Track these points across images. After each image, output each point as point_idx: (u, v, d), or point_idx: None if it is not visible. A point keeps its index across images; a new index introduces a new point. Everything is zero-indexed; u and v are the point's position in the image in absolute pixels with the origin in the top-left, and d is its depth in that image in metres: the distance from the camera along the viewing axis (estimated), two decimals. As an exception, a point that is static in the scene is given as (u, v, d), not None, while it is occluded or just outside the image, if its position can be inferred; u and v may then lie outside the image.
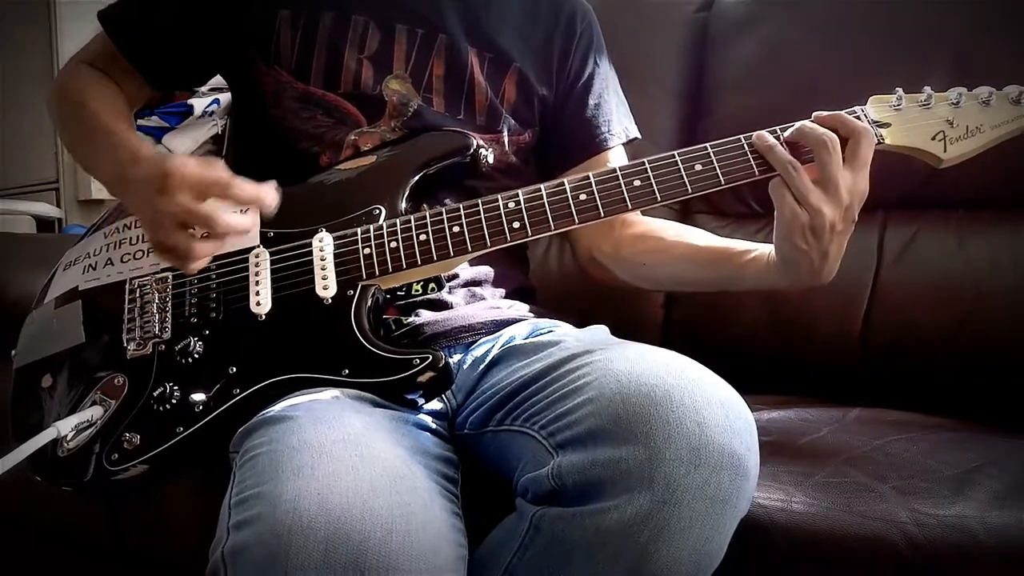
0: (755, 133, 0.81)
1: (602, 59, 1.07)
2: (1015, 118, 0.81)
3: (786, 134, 0.81)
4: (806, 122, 0.80)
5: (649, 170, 0.81)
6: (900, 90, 0.83)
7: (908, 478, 0.73)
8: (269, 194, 0.78)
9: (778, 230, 0.81)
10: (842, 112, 0.81)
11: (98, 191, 2.50)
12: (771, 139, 0.80)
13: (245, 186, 0.77)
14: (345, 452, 0.62)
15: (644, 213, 0.97)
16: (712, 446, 0.61)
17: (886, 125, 0.82)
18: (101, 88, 0.97)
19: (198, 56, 1.01)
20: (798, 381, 1.12)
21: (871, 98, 0.84)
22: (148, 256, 0.89)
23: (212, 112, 1.98)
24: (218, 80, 1.08)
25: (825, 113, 0.81)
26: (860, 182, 0.78)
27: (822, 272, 0.80)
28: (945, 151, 0.81)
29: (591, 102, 1.04)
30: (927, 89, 0.83)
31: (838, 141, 0.77)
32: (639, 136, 1.08)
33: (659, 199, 0.80)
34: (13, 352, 0.92)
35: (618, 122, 1.06)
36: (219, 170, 0.76)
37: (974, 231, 1.10)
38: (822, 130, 0.78)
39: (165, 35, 0.98)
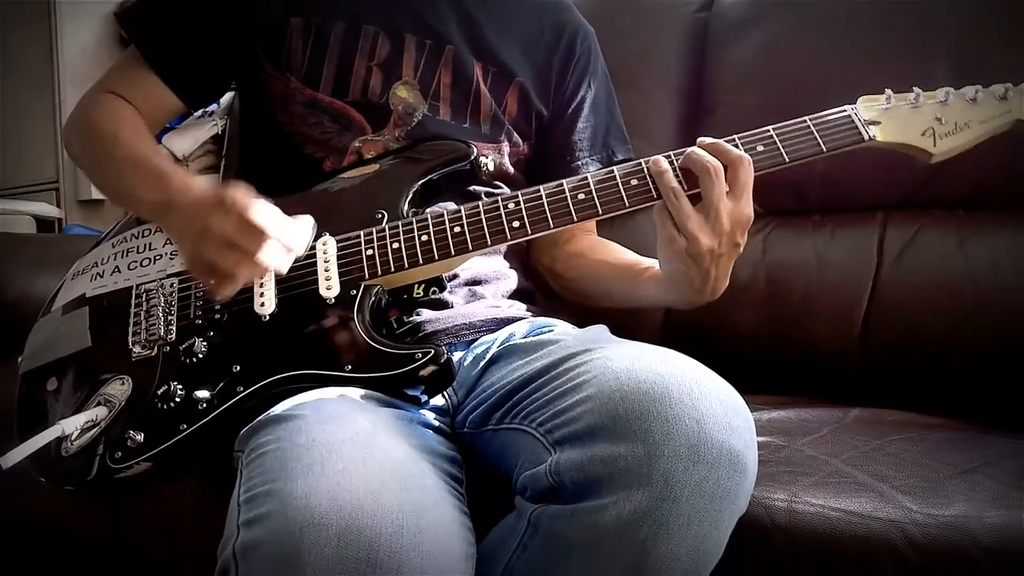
0: (652, 158, 0.81)
1: (596, 83, 1.09)
2: (1002, 114, 0.82)
3: (679, 160, 0.81)
4: (695, 148, 0.80)
5: (646, 170, 0.82)
6: (889, 91, 0.85)
7: (908, 478, 0.73)
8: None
9: (659, 251, 0.82)
10: (721, 140, 0.80)
11: (97, 192, 2.49)
12: (665, 164, 0.80)
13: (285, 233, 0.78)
14: (354, 450, 0.62)
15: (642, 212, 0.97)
16: (711, 443, 0.61)
17: (876, 123, 0.84)
18: (129, 118, 0.96)
19: (221, 68, 1.01)
20: (798, 381, 1.12)
21: (860, 98, 0.85)
22: (155, 264, 0.90)
23: (212, 112, 1.97)
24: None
25: (708, 140, 0.80)
26: (742, 209, 0.78)
27: (706, 291, 0.81)
28: (935, 145, 0.83)
29: (579, 126, 1.07)
30: (916, 89, 0.84)
31: (722, 169, 0.77)
32: (632, 158, 1.06)
33: (654, 196, 0.81)
34: (20, 358, 0.92)
35: (603, 147, 1.07)
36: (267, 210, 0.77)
37: (974, 231, 1.10)
38: (708, 157, 0.78)
39: (192, 50, 0.98)
